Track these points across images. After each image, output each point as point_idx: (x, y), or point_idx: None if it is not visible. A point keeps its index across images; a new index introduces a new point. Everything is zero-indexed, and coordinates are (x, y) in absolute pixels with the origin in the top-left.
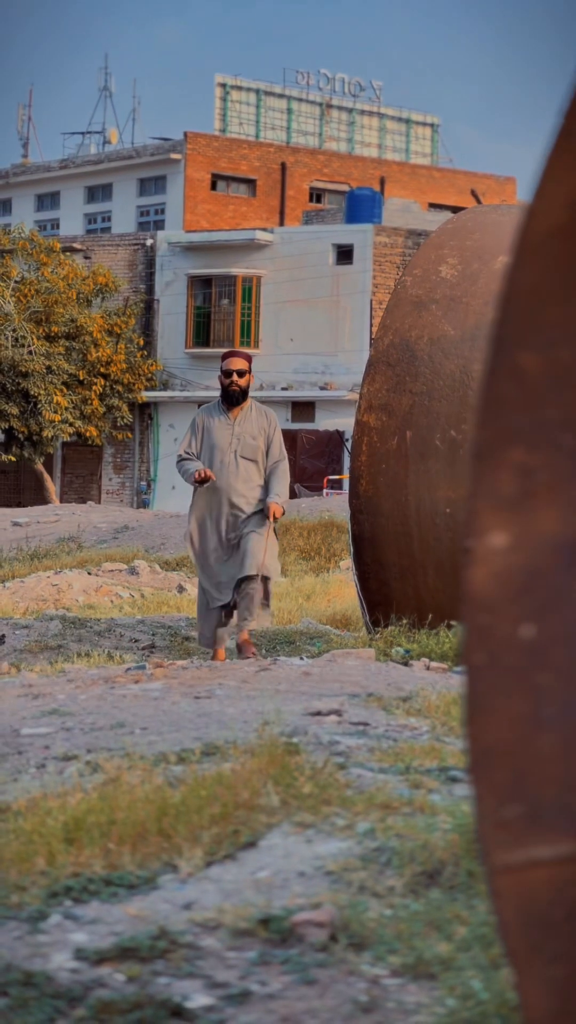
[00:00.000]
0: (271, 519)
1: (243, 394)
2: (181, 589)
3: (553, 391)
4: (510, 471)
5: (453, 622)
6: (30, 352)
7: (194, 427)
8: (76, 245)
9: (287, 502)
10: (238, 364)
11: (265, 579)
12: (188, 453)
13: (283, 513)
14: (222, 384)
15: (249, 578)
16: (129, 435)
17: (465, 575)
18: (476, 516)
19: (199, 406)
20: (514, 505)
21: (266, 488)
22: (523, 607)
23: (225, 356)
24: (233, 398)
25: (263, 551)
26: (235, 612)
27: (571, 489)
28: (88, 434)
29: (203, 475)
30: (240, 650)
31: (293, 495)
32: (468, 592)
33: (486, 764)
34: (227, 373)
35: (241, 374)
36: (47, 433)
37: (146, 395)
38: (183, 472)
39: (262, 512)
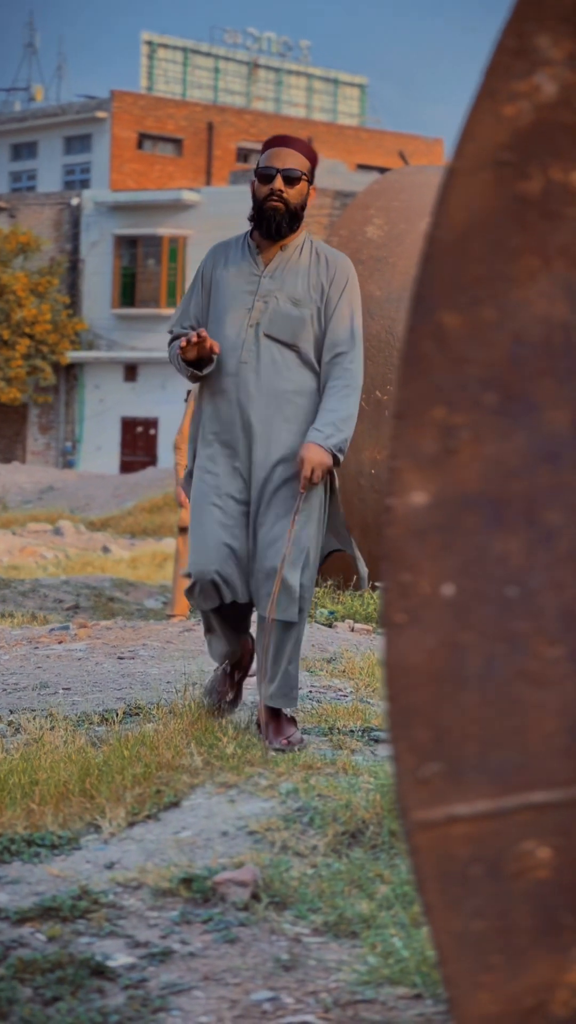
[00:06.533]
0: (301, 486)
1: (291, 218)
2: (106, 550)
3: (475, 350)
4: (432, 430)
5: (378, 584)
6: None
7: (198, 279)
8: (1, 204)
9: (342, 442)
10: (288, 159)
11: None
12: (184, 327)
13: (328, 470)
14: (255, 198)
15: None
16: (48, 399)
17: (386, 533)
18: (397, 475)
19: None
20: (435, 464)
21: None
22: (444, 566)
23: (269, 144)
24: (272, 224)
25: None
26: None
27: (492, 448)
28: (8, 398)
29: (197, 347)
30: (262, 729)
31: None
32: (389, 551)
33: (406, 723)
34: (266, 174)
35: (292, 179)
36: None
37: (71, 356)
38: (173, 358)
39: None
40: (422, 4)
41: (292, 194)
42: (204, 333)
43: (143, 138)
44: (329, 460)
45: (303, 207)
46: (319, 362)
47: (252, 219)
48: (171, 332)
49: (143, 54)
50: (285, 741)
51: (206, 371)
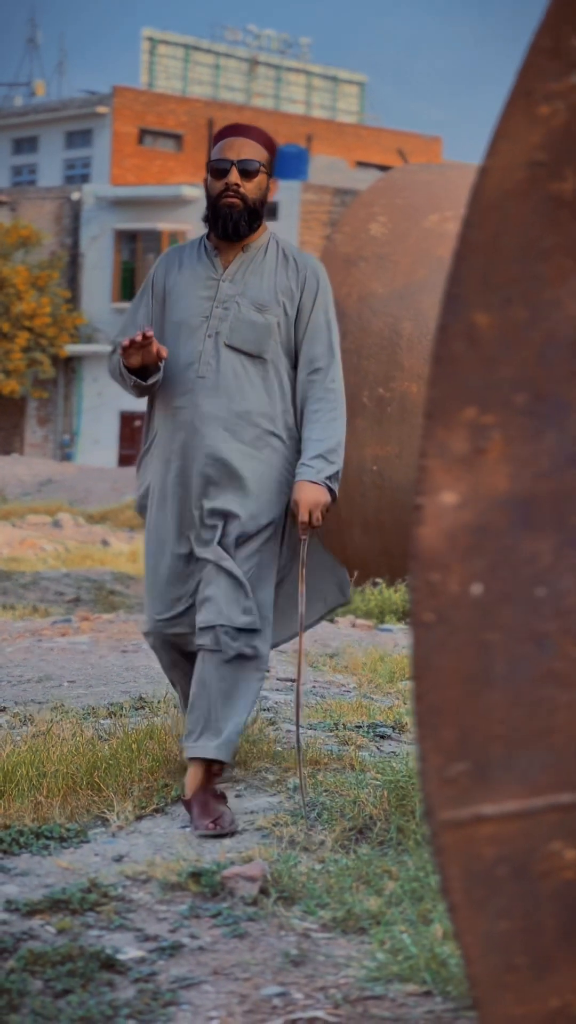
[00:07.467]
0: (300, 532)
1: (251, 216)
2: (105, 543)
3: (506, 350)
4: (462, 430)
5: (378, 579)
6: None
7: (148, 287)
8: (2, 198)
9: (335, 474)
10: (244, 149)
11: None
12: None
13: (327, 508)
14: (209, 195)
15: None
16: (45, 395)
17: (415, 533)
18: (427, 474)
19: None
20: (465, 463)
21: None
22: (473, 565)
23: (221, 134)
24: (228, 222)
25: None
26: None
27: (522, 448)
28: (7, 391)
29: (142, 350)
30: (189, 808)
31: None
32: (418, 550)
33: (433, 721)
34: (219, 168)
35: (248, 172)
36: None
37: (70, 349)
38: (113, 370)
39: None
40: (421, 3)
41: (250, 188)
42: (150, 333)
43: (143, 133)
44: (326, 496)
45: (263, 202)
46: (289, 375)
47: (207, 219)
48: (113, 345)
49: (144, 50)
50: (212, 824)
51: (151, 381)
